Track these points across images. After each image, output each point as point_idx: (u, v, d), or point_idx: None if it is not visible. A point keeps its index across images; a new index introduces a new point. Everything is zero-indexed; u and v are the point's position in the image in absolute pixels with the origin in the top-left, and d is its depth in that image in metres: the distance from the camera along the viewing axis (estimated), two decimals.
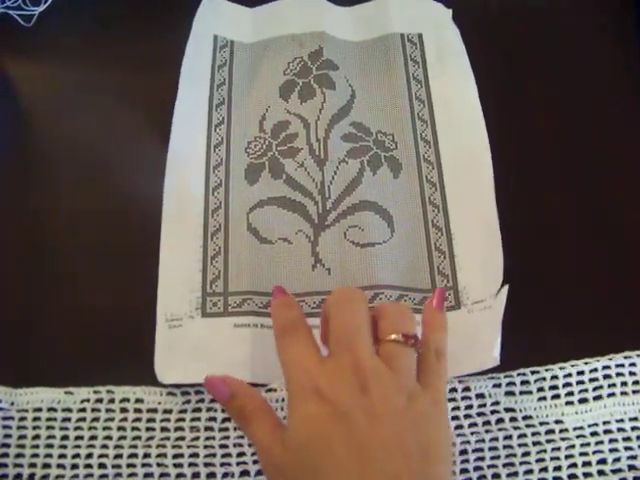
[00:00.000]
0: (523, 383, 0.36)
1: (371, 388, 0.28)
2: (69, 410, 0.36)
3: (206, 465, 0.35)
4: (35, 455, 0.35)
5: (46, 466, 0.35)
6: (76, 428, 0.35)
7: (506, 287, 0.38)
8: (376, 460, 0.27)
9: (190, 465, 0.34)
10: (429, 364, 0.31)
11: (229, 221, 0.41)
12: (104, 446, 0.35)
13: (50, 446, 0.35)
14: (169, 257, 0.39)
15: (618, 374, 0.37)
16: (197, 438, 0.35)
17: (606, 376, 0.36)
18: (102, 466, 0.35)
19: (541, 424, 0.35)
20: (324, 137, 0.44)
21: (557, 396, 0.36)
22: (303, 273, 0.39)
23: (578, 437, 0.35)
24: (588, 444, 0.35)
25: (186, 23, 0.48)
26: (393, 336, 0.30)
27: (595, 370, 0.37)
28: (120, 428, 0.35)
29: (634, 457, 0.34)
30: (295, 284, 0.39)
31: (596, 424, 0.35)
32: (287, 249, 0.40)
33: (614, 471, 0.34)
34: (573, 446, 0.35)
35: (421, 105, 0.45)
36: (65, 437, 0.35)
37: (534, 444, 0.35)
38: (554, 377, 0.36)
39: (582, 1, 0.51)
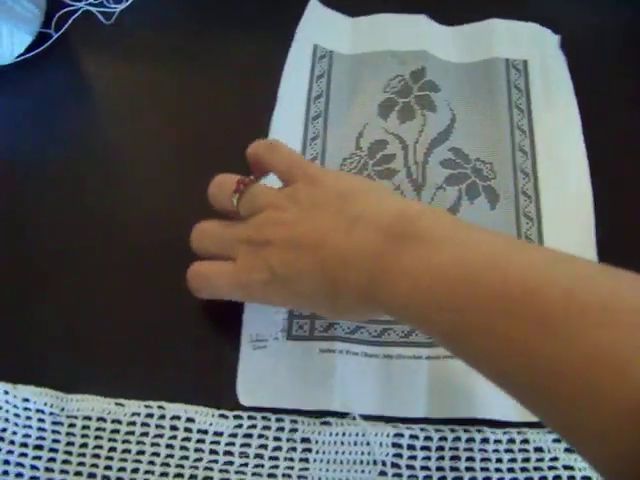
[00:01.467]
0: None
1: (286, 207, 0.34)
2: (118, 422, 0.35)
3: None
4: (81, 464, 0.35)
5: (91, 476, 0.34)
6: (124, 441, 0.35)
7: None
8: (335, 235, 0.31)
9: None
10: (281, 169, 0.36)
11: None
12: (151, 462, 0.35)
13: (97, 456, 0.35)
14: None
15: None
16: (245, 464, 0.34)
17: None
18: None
19: None
20: (422, 161, 0.42)
21: None
22: None
23: None
24: None
25: (279, 30, 0.48)
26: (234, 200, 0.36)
27: None
28: (168, 446, 0.35)
29: None
30: None
31: None
32: None
33: None
34: None
35: (522, 135, 0.44)
36: (112, 449, 0.35)
37: None
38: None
39: None
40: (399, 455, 0.34)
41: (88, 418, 0.36)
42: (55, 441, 0.35)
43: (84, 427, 0.35)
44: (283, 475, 0.34)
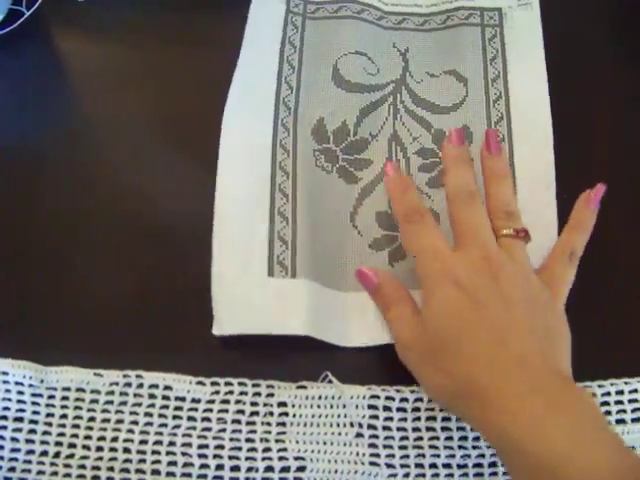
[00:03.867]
0: None
1: (502, 277, 0.32)
2: (97, 392, 0.36)
3: (230, 458, 0.34)
4: (61, 434, 0.35)
5: (72, 446, 0.35)
6: (103, 410, 0.35)
7: None
8: (509, 342, 0.30)
9: (215, 457, 0.34)
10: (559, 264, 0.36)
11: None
12: (130, 431, 0.35)
13: (77, 426, 0.35)
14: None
15: None
16: (223, 430, 0.35)
17: None
18: (127, 451, 0.34)
19: None
20: None
21: None
22: None
23: None
24: None
25: None
26: (505, 231, 0.35)
27: (635, 391, 0.35)
28: (147, 414, 0.35)
29: None
30: None
31: (633, 447, 0.34)
32: None
33: None
34: None
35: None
36: (92, 419, 0.35)
37: None
38: (591, 395, 0.35)
39: None
40: (375, 417, 0.35)
41: (67, 389, 0.36)
42: (35, 413, 0.35)
43: (63, 398, 0.36)
44: (261, 439, 0.34)
